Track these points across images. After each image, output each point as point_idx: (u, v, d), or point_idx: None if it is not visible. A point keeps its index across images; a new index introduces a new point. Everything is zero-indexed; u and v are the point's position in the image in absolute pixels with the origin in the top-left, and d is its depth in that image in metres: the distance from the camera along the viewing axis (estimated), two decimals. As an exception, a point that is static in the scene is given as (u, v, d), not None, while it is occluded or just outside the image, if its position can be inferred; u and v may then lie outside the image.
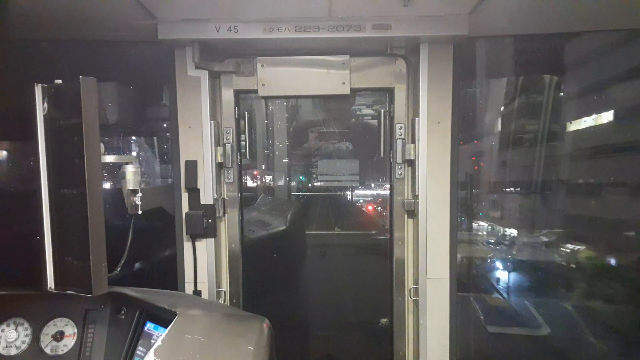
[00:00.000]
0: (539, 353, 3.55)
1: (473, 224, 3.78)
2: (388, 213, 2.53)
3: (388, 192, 2.49)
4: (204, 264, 2.28)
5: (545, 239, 3.97)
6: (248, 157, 2.54)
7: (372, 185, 3.04)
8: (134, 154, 3.04)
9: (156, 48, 2.15)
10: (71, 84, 1.52)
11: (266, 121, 3.10)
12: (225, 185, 2.41)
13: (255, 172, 3.12)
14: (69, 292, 1.61)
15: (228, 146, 2.33)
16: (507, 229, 4.21)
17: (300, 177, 3.06)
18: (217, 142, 2.31)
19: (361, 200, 3.17)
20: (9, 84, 1.94)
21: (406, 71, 2.31)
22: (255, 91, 2.33)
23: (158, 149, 3.09)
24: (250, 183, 3.03)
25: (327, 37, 2.05)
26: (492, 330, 3.52)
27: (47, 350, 1.83)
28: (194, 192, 2.25)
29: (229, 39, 2.05)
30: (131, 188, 1.91)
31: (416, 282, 2.30)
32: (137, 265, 2.80)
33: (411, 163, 2.31)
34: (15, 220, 2.53)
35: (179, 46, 2.16)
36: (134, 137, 3.07)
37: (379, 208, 3.12)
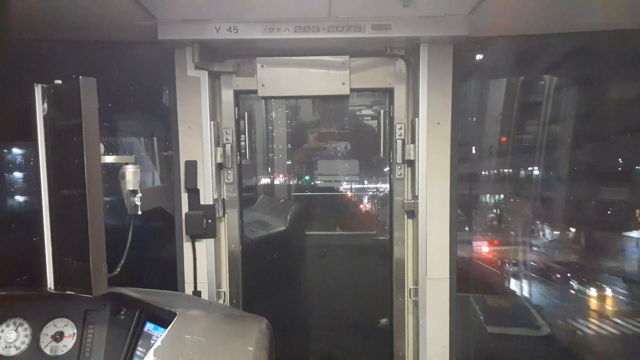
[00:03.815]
0: (539, 353, 3.55)
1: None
2: (388, 213, 2.53)
3: (388, 192, 2.49)
4: (204, 264, 2.28)
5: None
6: (248, 158, 2.54)
7: (372, 185, 3.04)
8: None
9: (156, 48, 2.15)
10: (71, 84, 1.52)
11: (268, 127, 3.10)
12: (225, 186, 2.41)
13: (272, 177, 3.10)
14: (68, 292, 1.61)
15: (228, 146, 2.33)
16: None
17: (306, 178, 3.05)
18: (217, 143, 2.31)
19: (361, 200, 3.17)
20: (9, 84, 1.94)
21: (406, 71, 2.31)
22: (255, 91, 2.33)
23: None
24: (249, 183, 3.03)
25: (327, 37, 2.05)
26: (492, 331, 3.53)
27: (47, 351, 1.83)
28: (193, 192, 2.24)
29: (228, 40, 2.05)
30: (131, 188, 1.91)
31: (416, 282, 2.30)
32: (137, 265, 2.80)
33: (411, 163, 2.31)
34: (15, 222, 2.53)
35: (178, 46, 2.16)
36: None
37: (378, 208, 3.12)
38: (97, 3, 1.82)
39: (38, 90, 1.61)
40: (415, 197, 2.26)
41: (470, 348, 3.07)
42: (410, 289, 2.38)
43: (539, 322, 3.86)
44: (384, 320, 2.63)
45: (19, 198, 2.73)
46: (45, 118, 1.61)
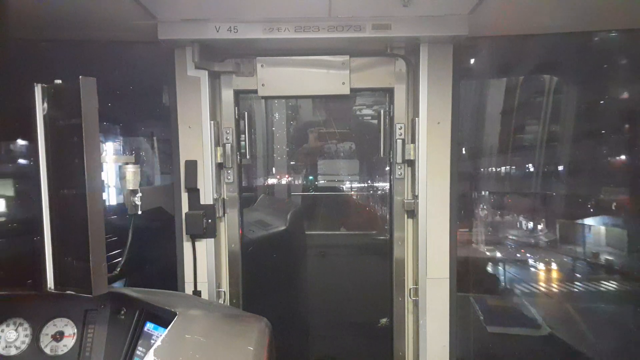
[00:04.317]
0: (539, 353, 3.55)
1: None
2: (388, 213, 2.53)
3: (388, 192, 2.49)
4: (204, 264, 2.28)
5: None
6: (248, 157, 2.54)
7: (372, 184, 3.04)
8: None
9: (156, 48, 2.15)
10: (71, 84, 1.52)
11: (268, 126, 3.10)
12: (225, 186, 2.41)
13: (272, 177, 3.10)
14: (68, 292, 1.61)
15: (228, 146, 2.33)
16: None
17: (308, 178, 3.06)
18: (217, 142, 2.31)
19: (360, 200, 3.17)
20: (9, 84, 1.94)
21: (406, 71, 2.31)
22: (255, 91, 2.33)
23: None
24: (249, 183, 3.03)
25: (327, 37, 2.05)
26: (492, 330, 3.53)
27: (47, 351, 1.83)
28: (193, 192, 2.24)
29: (228, 39, 2.05)
30: (131, 188, 1.91)
31: (416, 282, 2.30)
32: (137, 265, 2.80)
33: (411, 163, 2.31)
34: (15, 221, 2.53)
35: (178, 46, 2.16)
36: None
37: (377, 208, 3.13)
38: (97, 3, 1.82)
39: (38, 90, 1.60)
40: (415, 196, 2.26)
41: (470, 348, 3.07)
42: (410, 289, 2.38)
43: (539, 321, 3.92)
44: (384, 320, 2.63)
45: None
46: (45, 118, 1.61)
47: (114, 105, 2.73)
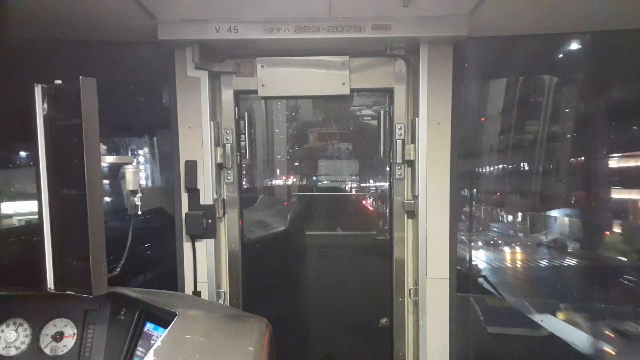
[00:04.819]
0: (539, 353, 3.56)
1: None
2: (388, 213, 2.53)
3: (388, 192, 2.49)
4: (204, 264, 2.28)
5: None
6: (248, 158, 2.54)
7: (372, 185, 3.04)
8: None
9: (156, 48, 2.15)
10: (71, 84, 1.52)
11: (268, 127, 3.10)
12: (225, 186, 2.41)
13: (272, 177, 3.09)
14: (68, 292, 1.61)
15: (228, 147, 2.33)
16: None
17: (309, 178, 3.06)
18: (217, 143, 2.31)
19: (360, 200, 3.17)
20: (9, 84, 1.94)
21: (406, 71, 2.31)
22: (255, 92, 2.33)
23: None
24: (249, 183, 3.03)
25: (327, 37, 2.05)
26: (492, 331, 3.54)
27: (47, 351, 1.83)
28: (193, 192, 2.24)
29: (228, 40, 2.06)
30: (131, 188, 1.90)
31: (416, 282, 2.30)
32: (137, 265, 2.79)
33: (411, 163, 2.31)
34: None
35: (178, 47, 2.16)
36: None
37: (377, 208, 3.13)
38: (97, 3, 1.82)
39: (38, 90, 1.60)
40: (415, 197, 2.26)
41: (470, 348, 3.08)
42: (410, 289, 2.38)
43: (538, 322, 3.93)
44: (384, 320, 2.63)
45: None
46: (45, 118, 1.61)
47: (114, 106, 2.73)
